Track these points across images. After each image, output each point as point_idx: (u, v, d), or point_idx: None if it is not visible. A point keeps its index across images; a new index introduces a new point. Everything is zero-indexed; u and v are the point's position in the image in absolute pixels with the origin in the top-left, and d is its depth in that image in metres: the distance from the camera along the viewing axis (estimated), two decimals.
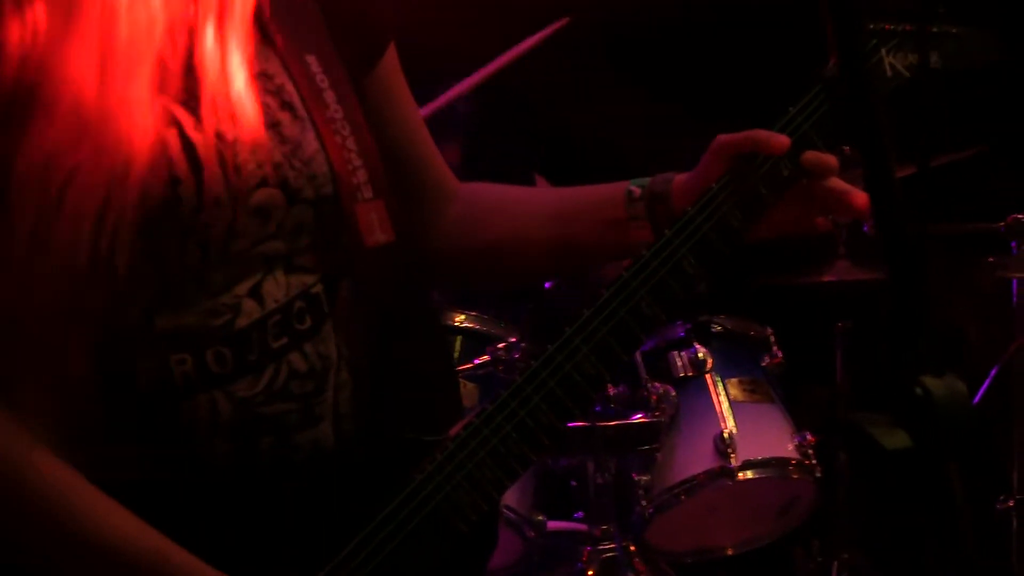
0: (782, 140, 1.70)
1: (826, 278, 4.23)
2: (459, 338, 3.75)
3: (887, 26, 1.72)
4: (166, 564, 1.54)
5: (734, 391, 3.90)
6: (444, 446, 1.64)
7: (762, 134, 1.71)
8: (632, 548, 3.79)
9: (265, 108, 1.61)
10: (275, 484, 1.61)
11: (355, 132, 1.68)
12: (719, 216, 1.69)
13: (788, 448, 3.83)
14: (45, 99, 1.48)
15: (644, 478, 3.77)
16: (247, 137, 1.59)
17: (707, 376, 3.90)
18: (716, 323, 4.05)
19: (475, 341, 3.71)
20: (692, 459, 3.78)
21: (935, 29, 1.74)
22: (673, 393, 3.83)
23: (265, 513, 1.61)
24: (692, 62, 4.76)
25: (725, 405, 3.85)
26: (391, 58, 1.88)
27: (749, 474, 3.74)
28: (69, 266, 1.48)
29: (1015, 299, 4.11)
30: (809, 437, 3.83)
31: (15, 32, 1.47)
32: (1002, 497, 4.10)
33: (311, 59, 1.68)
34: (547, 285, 4.07)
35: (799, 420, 3.94)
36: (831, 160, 1.72)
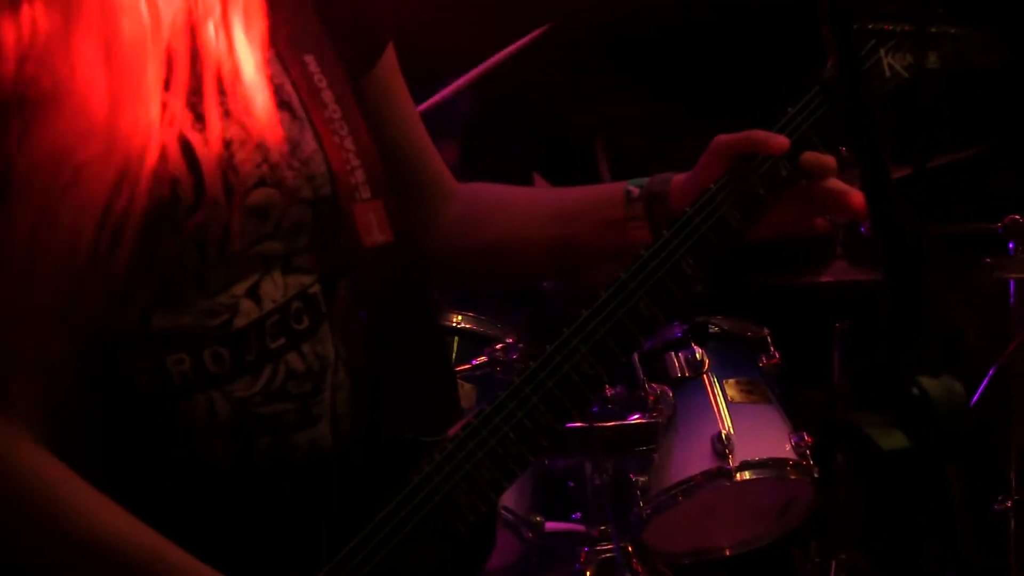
0: (781, 141, 1.70)
1: (823, 279, 4.23)
2: (456, 339, 3.75)
3: (886, 26, 1.72)
4: (161, 562, 1.54)
5: (731, 392, 3.89)
6: (442, 447, 1.64)
7: (761, 134, 1.71)
8: (630, 549, 3.79)
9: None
10: (273, 484, 1.61)
11: (353, 132, 1.68)
12: (718, 216, 1.69)
13: (786, 449, 3.82)
14: (47, 97, 1.47)
15: (642, 479, 3.76)
16: (245, 136, 1.59)
17: (704, 377, 3.90)
18: (713, 324, 4.04)
19: (472, 342, 3.71)
20: (690, 460, 3.77)
21: (934, 29, 1.74)
22: (670, 394, 3.82)
23: (263, 513, 1.61)
24: (692, 62, 4.76)
25: (723, 406, 3.84)
26: (389, 58, 1.88)
27: (747, 475, 3.74)
28: (68, 265, 1.48)
29: (1013, 299, 4.12)
30: (807, 437, 3.83)
31: (11, 31, 1.47)
32: (1000, 497, 4.10)
33: (309, 59, 1.68)
34: (544, 286, 4.07)
35: (797, 421, 3.94)
36: (830, 161, 1.71)
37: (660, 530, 3.81)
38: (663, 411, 3.78)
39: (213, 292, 1.59)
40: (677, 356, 3.91)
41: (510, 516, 3.59)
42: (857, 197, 1.71)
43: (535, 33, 3.92)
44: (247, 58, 1.61)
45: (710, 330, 4.03)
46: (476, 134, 4.49)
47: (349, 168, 1.66)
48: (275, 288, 1.62)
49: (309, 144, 1.64)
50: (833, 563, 4.28)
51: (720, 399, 3.86)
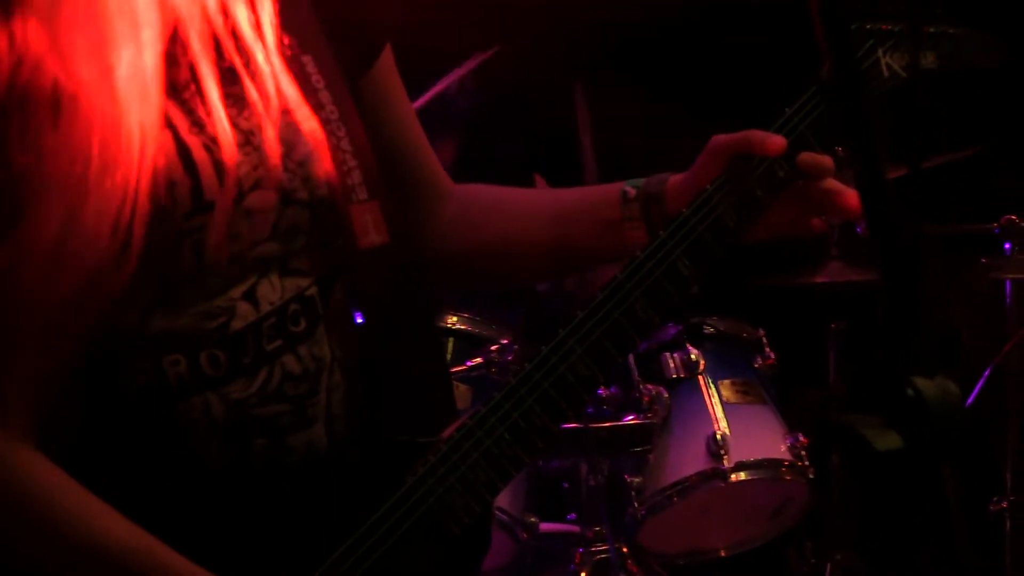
0: (778, 141, 1.69)
1: (819, 279, 4.23)
2: (451, 340, 3.75)
3: (884, 26, 1.72)
4: (159, 568, 1.53)
5: (726, 392, 3.89)
6: (437, 448, 1.64)
7: (758, 135, 1.70)
8: (624, 550, 3.79)
9: None
10: (269, 486, 1.61)
11: (350, 133, 1.68)
12: (714, 217, 1.68)
13: (781, 449, 3.82)
14: (47, 103, 1.48)
15: (636, 480, 3.76)
16: (241, 139, 1.58)
17: (699, 377, 3.90)
18: (708, 324, 4.05)
19: (467, 343, 3.71)
20: (684, 461, 3.78)
21: (932, 30, 1.74)
22: (665, 394, 3.82)
23: (258, 515, 1.61)
24: (692, 62, 4.76)
25: (718, 406, 3.84)
26: (387, 59, 1.87)
27: (742, 475, 3.74)
28: (83, 273, 1.48)
29: (1009, 300, 4.11)
30: (802, 438, 3.83)
31: (3, 38, 1.47)
32: (996, 498, 4.10)
33: (307, 59, 1.68)
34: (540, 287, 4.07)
35: (792, 421, 3.94)
36: (827, 161, 1.71)
37: (655, 531, 3.81)
38: (658, 412, 3.78)
39: (211, 295, 1.59)
40: (672, 357, 3.91)
41: (505, 517, 3.59)
42: (854, 198, 1.70)
43: (482, 57, 3.93)
44: (245, 60, 1.61)
45: (705, 331, 4.03)
46: (476, 134, 4.49)
47: (346, 169, 1.66)
48: (272, 290, 1.62)
49: (306, 145, 1.64)
50: (828, 564, 4.28)
51: (715, 400, 3.86)
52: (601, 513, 3.80)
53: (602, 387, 3.66)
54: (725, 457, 3.71)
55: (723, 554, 4.02)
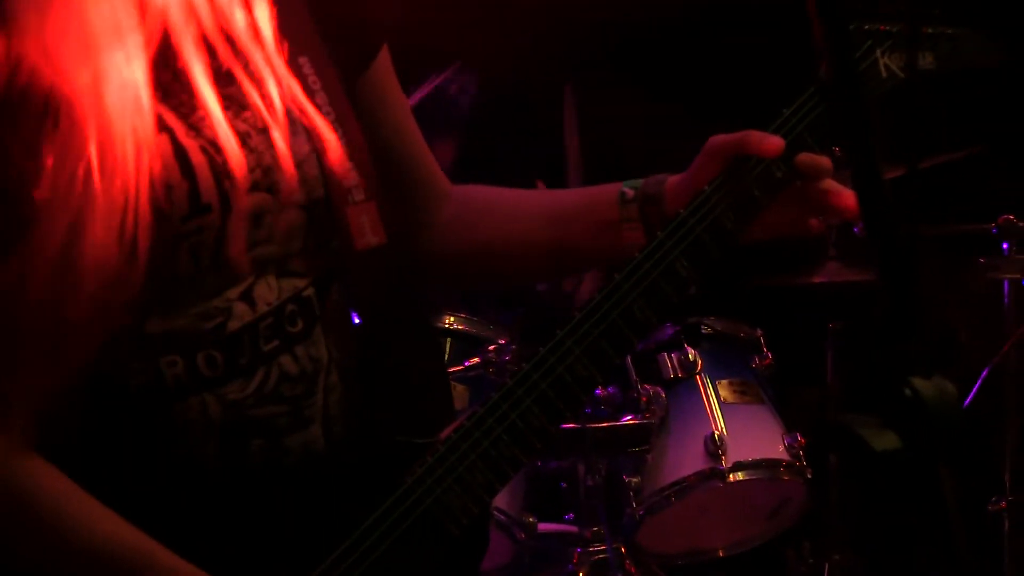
0: (776, 142, 1.69)
1: (816, 279, 4.23)
2: (449, 340, 3.75)
3: (882, 27, 1.72)
4: (161, 572, 1.53)
5: (724, 392, 3.89)
6: (435, 449, 1.64)
7: (755, 136, 1.70)
8: (623, 550, 3.79)
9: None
10: (266, 486, 1.61)
11: (347, 135, 1.68)
12: (712, 218, 1.68)
13: (779, 449, 3.82)
14: (44, 109, 1.48)
15: (634, 480, 3.76)
16: (238, 141, 1.58)
17: (697, 377, 3.90)
18: (706, 325, 4.04)
19: (465, 343, 3.71)
20: (682, 461, 3.78)
21: (930, 30, 1.74)
22: (663, 395, 3.83)
23: (256, 515, 1.61)
24: (690, 62, 4.76)
25: (715, 406, 3.84)
26: (384, 60, 1.87)
27: (740, 475, 3.74)
28: (96, 279, 1.48)
29: (1007, 300, 4.12)
30: (800, 438, 3.83)
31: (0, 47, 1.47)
32: (994, 498, 4.10)
33: (304, 61, 1.68)
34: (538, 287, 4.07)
35: (790, 421, 3.94)
36: (825, 162, 1.71)
37: (653, 531, 3.81)
38: (656, 412, 3.78)
39: (207, 296, 1.59)
40: (670, 357, 3.92)
41: (503, 517, 3.59)
42: (851, 198, 1.70)
43: (447, 73, 3.93)
44: (242, 63, 1.61)
45: (703, 331, 4.03)
46: (475, 135, 4.49)
47: (342, 171, 1.66)
48: (269, 291, 1.62)
49: (303, 147, 1.64)
50: (826, 564, 4.28)
51: (713, 400, 3.86)
52: (599, 513, 3.80)
53: (600, 387, 3.66)
54: (723, 457, 3.71)
55: (721, 554, 4.02)
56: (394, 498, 1.62)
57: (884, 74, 1.72)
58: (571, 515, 3.99)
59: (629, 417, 3.78)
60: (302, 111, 1.64)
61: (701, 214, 1.68)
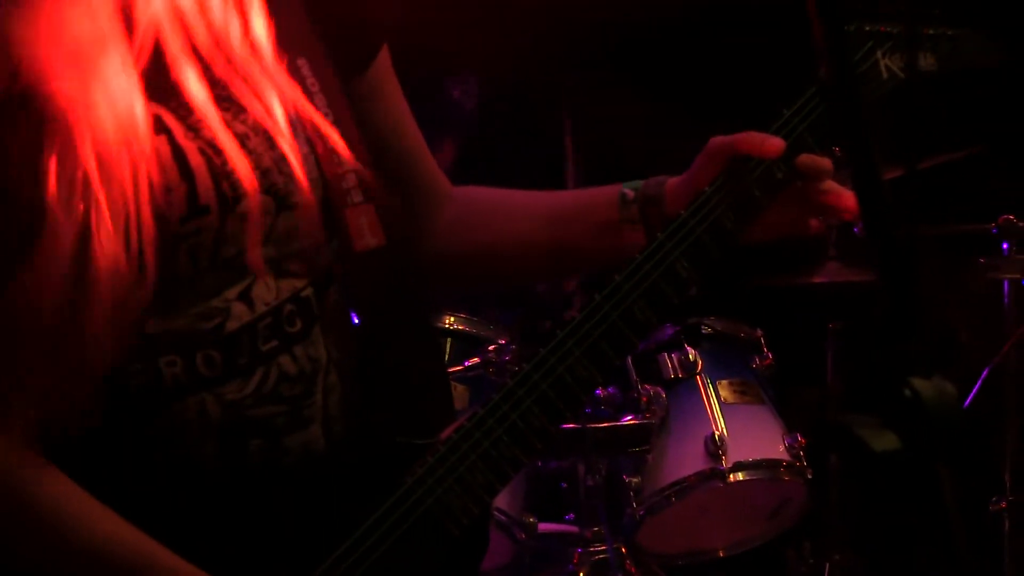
0: (776, 143, 1.69)
1: (817, 280, 4.23)
2: (449, 340, 3.74)
3: (882, 28, 1.72)
4: (158, 570, 1.53)
5: (724, 393, 3.89)
6: (435, 449, 1.64)
7: (756, 137, 1.70)
8: (623, 550, 3.79)
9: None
10: (265, 487, 1.61)
11: (346, 136, 1.67)
12: (712, 219, 1.68)
13: (779, 450, 3.82)
14: (42, 115, 1.48)
15: (635, 480, 3.76)
16: (236, 143, 1.58)
17: (697, 378, 3.90)
18: (706, 325, 4.04)
19: (465, 343, 3.71)
20: (683, 461, 3.77)
21: (931, 31, 1.74)
22: (663, 395, 3.82)
23: (255, 516, 1.61)
24: (691, 63, 4.75)
25: (716, 407, 3.84)
26: (383, 60, 1.87)
27: (740, 476, 3.74)
28: (110, 285, 1.49)
29: (1007, 300, 4.12)
30: (800, 439, 3.83)
31: None
32: (995, 498, 4.10)
33: (302, 62, 1.68)
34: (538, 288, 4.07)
35: (790, 421, 3.94)
36: (825, 162, 1.71)
37: (653, 531, 3.81)
38: (656, 412, 3.78)
39: (206, 296, 1.59)
40: (670, 357, 3.91)
41: (503, 517, 3.59)
42: (852, 199, 1.70)
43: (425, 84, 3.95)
44: (238, 65, 1.61)
45: (703, 331, 4.03)
46: (476, 135, 4.49)
47: (341, 172, 1.66)
48: (268, 291, 1.62)
49: (301, 149, 1.64)
50: (827, 564, 4.28)
51: (713, 400, 3.86)
52: (599, 513, 3.80)
53: (600, 388, 3.66)
54: (723, 457, 3.71)
55: (721, 554, 4.02)
56: (394, 498, 1.62)
57: (885, 75, 1.72)
58: (571, 515, 3.99)
59: (629, 417, 3.78)
60: (300, 113, 1.64)
61: (701, 215, 1.68)
